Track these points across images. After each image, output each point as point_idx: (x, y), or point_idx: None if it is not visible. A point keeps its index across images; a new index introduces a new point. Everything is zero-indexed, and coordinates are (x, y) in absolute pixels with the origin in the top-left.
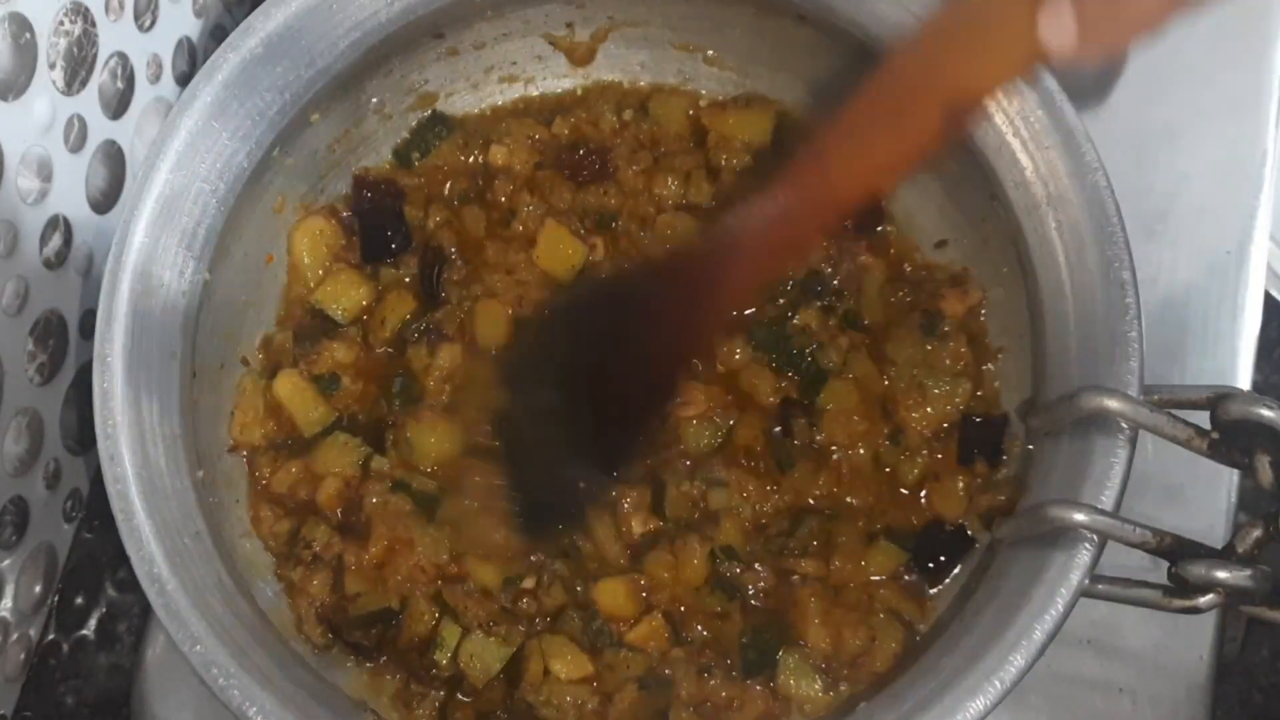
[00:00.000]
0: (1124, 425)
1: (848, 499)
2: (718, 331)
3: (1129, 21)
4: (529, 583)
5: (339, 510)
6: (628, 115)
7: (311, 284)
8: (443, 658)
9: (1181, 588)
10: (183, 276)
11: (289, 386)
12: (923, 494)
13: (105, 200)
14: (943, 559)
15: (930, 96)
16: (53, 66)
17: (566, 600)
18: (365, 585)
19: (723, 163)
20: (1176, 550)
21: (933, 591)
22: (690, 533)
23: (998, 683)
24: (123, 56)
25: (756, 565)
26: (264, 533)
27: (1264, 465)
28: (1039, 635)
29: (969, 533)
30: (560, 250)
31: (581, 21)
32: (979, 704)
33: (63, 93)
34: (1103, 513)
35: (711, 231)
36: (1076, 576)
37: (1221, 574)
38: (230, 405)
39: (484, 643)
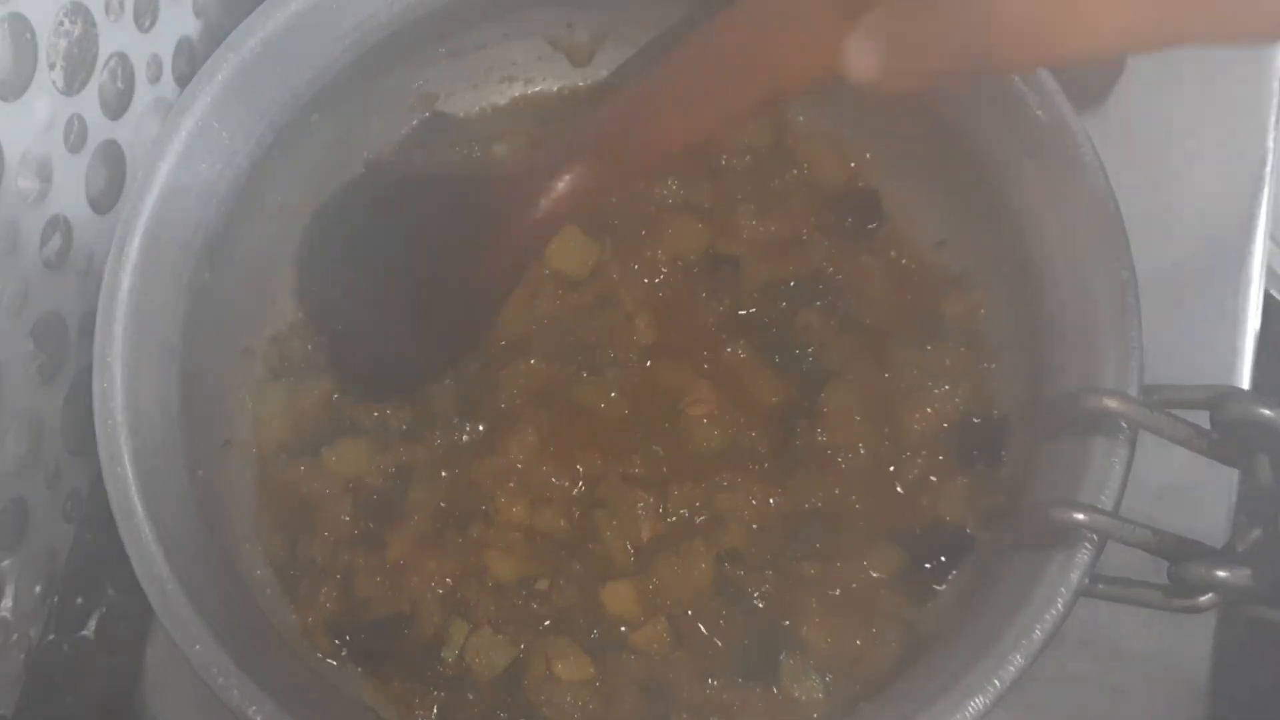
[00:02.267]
0: (1124, 425)
1: (849, 500)
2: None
3: (931, 60)
4: (543, 584)
5: (348, 516)
6: None
7: None
8: (449, 655)
9: (1181, 587)
10: (182, 276)
11: None
12: (923, 494)
13: (105, 200)
14: (943, 559)
15: (734, 77)
16: (53, 67)
17: (577, 601)
18: (377, 590)
19: (722, 163)
20: (1176, 550)
21: (933, 591)
22: (696, 536)
23: (997, 682)
24: (123, 57)
25: (764, 570)
26: (266, 544)
27: (1264, 465)
28: (1039, 635)
29: (969, 533)
30: (573, 250)
31: (582, 22)
32: (978, 704)
33: (63, 93)
34: (1103, 512)
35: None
36: (1076, 576)
37: (1221, 574)
38: (233, 403)
39: (492, 639)
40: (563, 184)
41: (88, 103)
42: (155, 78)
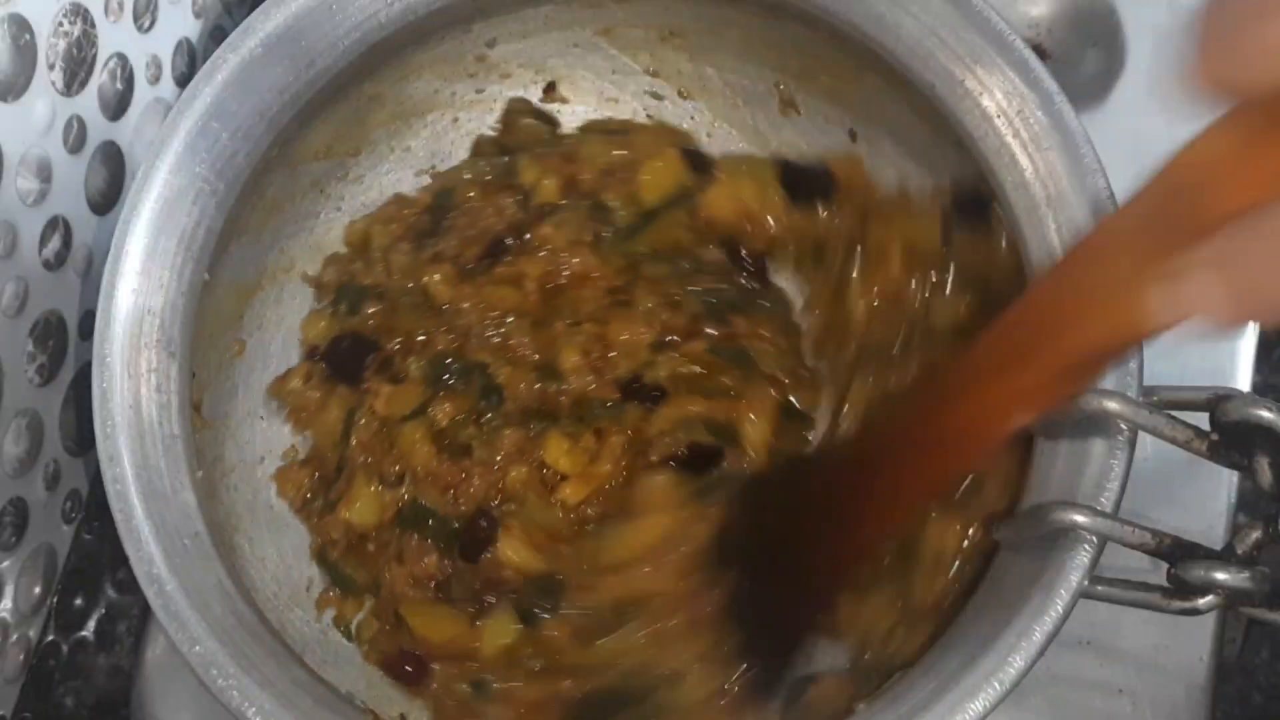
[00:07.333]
0: (1123, 426)
1: None
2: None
3: None
4: None
5: None
6: None
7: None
8: None
9: (1181, 589)
10: (182, 277)
11: None
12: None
13: (105, 200)
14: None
15: (1044, 353)
16: (52, 67)
17: None
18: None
19: None
20: (1176, 551)
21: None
22: None
23: (997, 684)
24: (122, 57)
25: None
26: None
27: (1263, 466)
28: (1039, 636)
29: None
30: None
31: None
32: (978, 705)
33: (62, 94)
34: (1102, 514)
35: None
36: (1076, 578)
37: (1221, 575)
38: (235, 405)
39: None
40: None
41: (87, 103)
42: (155, 78)
